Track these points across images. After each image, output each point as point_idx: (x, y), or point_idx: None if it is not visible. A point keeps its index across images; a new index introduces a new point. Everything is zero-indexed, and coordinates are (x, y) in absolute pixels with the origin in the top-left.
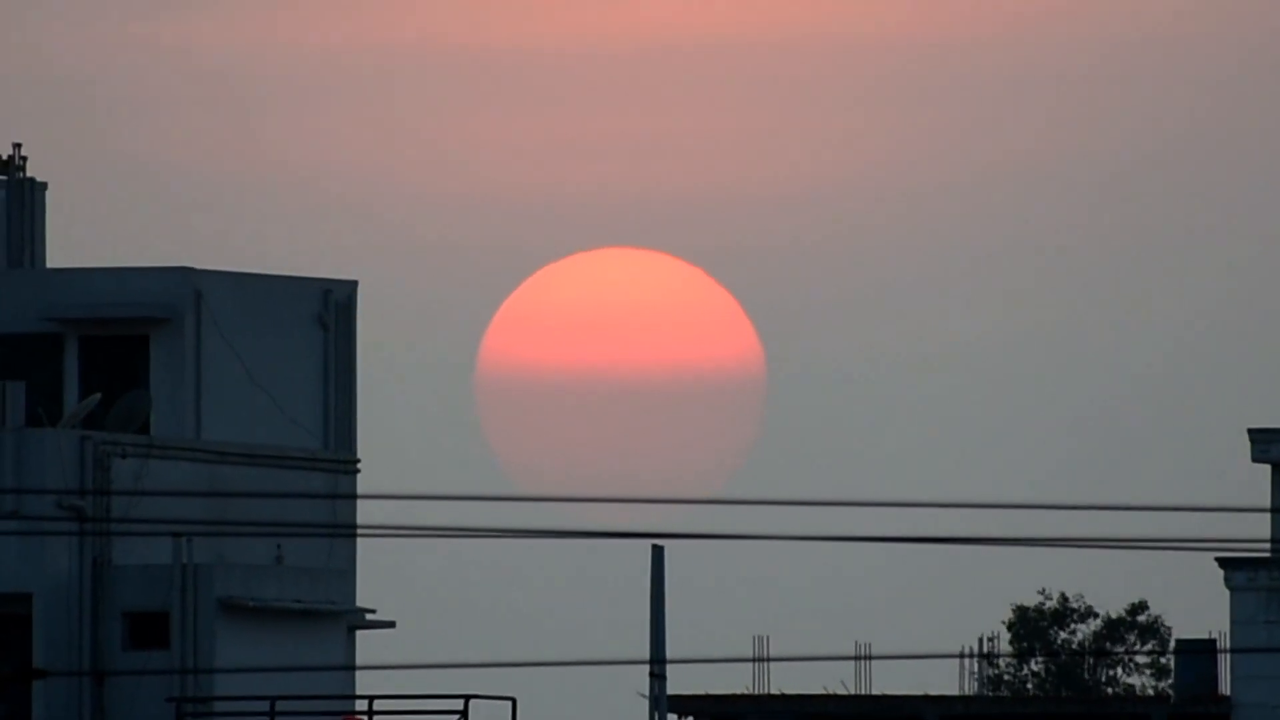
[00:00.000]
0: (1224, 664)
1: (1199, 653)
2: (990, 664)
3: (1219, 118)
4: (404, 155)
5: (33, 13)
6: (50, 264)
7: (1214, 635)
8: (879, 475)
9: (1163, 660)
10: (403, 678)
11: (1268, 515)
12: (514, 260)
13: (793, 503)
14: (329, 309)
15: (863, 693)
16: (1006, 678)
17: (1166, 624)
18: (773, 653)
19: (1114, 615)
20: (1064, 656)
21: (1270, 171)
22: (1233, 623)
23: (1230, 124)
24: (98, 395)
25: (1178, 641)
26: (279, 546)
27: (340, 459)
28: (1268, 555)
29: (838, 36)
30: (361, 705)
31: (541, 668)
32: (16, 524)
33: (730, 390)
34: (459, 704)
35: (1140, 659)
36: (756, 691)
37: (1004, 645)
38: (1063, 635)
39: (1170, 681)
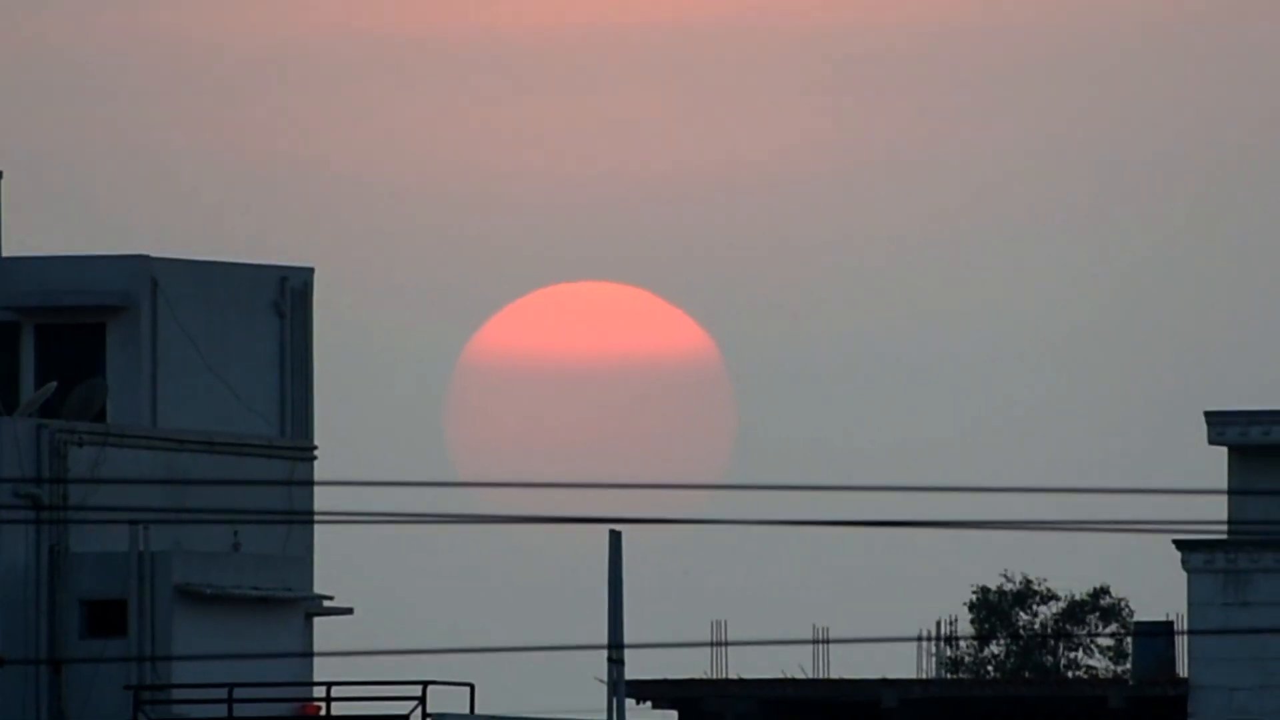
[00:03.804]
0: (1182, 646)
1: (1156, 635)
2: (951, 646)
3: (1182, 110)
4: (361, 142)
5: None
6: (5, 252)
7: (1171, 617)
8: (837, 460)
9: (1124, 643)
10: (360, 664)
11: (1224, 498)
12: (472, 250)
13: (750, 487)
14: (285, 296)
15: (821, 676)
16: (967, 659)
17: (1130, 608)
18: (731, 637)
19: (1077, 598)
20: (1024, 638)
21: (1223, 158)
22: (1190, 605)
23: (1192, 117)
24: (54, 384)
25: (1135, 624)
26: (236, 534)
27: (297, 446)
28: (1224, 538)
29: (775, 22)
30: (319, 692)
31: (499, 653)
32: None
33: (687, 378)
34: (417, 690)
35: (1102, 642)
36: (715, 676)
37: (964, 627)
38: (1024, 617)
39: (1129, 664)
